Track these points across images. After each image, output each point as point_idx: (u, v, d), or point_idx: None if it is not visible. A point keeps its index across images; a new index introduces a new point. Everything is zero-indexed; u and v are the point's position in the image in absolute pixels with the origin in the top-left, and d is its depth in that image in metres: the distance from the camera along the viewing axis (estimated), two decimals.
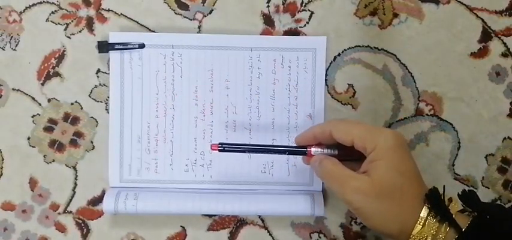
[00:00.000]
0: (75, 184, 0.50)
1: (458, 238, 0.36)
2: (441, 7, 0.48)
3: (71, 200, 0.50)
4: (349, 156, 0.42)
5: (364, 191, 0.38)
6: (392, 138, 0.39)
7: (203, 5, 0.49)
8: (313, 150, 0.43)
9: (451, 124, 0.49)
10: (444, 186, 0.39)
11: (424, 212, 0.37)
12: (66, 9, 0.49)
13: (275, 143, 0.49)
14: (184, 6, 0.49)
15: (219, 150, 0.43)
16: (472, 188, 0.49)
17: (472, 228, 0.37)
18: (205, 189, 0.49)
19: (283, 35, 0.49)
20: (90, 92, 0.49)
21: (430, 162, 0.49)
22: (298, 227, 0.50)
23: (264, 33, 0.49)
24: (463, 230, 0.37)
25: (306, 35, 0.49)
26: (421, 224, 0.37)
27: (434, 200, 0.38)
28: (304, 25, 0.49)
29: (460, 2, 0.48)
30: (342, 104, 0.49)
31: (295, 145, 0.45)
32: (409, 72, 0.49)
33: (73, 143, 0.50)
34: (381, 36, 0.49)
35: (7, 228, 0.50)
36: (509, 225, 0.37)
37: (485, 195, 0.49)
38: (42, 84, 0.49)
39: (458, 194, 0.40)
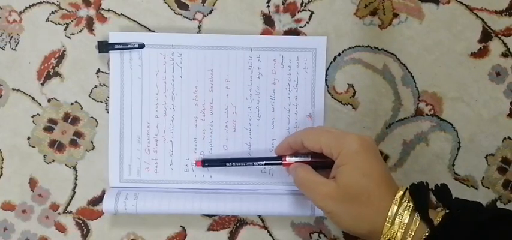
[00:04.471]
0: (75, 184, 0.50)
1: (430, 233, 0.37)
2: (441, 7, 0.48)
3: (71, 200, 0.50)
4: (323, 163, 0.44)
5: (332, 196, 0.40)
6: (356, 142, 0.40)
7: (203, 5, 0.49)
8: (287, 159, 0.46)
9: (451, 124, 0.49)
10: (427, 182, 0.40)
11: (391, 212, 0.38)
12: (66, 9, 0.49)
13: (275, 143, 0.49)
14: (184, 6, 0.49)
15: (203, 166, 0.48)
16: (472, 188, 0.49)
17: (444, 223, 0.38)
18: (205, 189, 0.49)
19: (283, 35, 0.49)
20: (90, 92, 0.49)
21: (430, 162, 0.49)
22: (298, 227, 0.50)
23: (264, 33, 0.49)
24: (435, 225, 0.37)
25: (306, 35, 0.49)
26: (390, 223, 0.38)
27: (417, 193, 0.39)
28: (304, 25, 0.49)
29: (460, 2, 0.48)
30: (342, 104, 0.49)
31: (273, 156, 0.48)
32: (409, 72, 0.49)
33: (73, 143, 0.50)
34: (380, 36, 0.49)
35: (7, 228, 0.51)
36: (479, 218, 0.37)
37: (485, 195, 0.49)
38: (42, 84, 0.49)
39: (431, 189, 0.41)
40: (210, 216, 0.50)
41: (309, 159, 0.45)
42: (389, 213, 0.38)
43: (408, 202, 0.39)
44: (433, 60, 0.49)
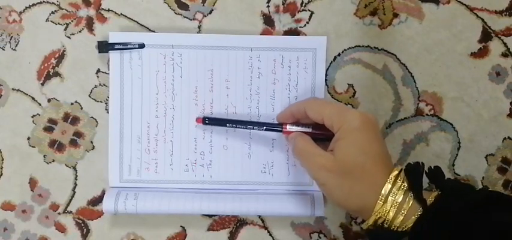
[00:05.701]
0: (75, 184, 0.50)
1: (423, 212, 0.38)
2: (441, 7, 0.48)
3: (71, 200, 0.50)
4: (324, 134, 0.44)
5: (328, 168, 0.40)
6: (358, 119, 0.40)
7: (203, 5, 0.49)
8: (288, 126, 0.46)
9: (451, 124, 0.49)
10: (423, 163, 0.41)
11: (385, 190, 0.39)
12: (66, 9, 0.49)
13: (275, 142, 0.49)
14: (184, 6, 0.49)
15: (203, 123, 0.48)
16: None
17: (436, 204, 0.38)
18: (205, 189, 0.49)
19: (283, 35, 0.49)
20: (90, 92, 0.49)
21: (430, 162, 0.49)
22: (298, 227, 0.50)
23: (264, 33, 0.49)
24: (428, 205, 0.38)
25: (306, 35, 0.49)
26: (382, 200, 0.39)
27: (412, 174, 0.39)
28: (304, 25, 0.49)
29: (460, 2, 0.48)
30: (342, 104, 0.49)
31: (273, 122, 0.48)
32: (409, 72, 0.49)
33: (73, 143, 0.50)
34: (380, 36, 0.49)
35: (7, 228, 0.51)
36: (471, 199, 0.38)
37: None
38: (42, 84, 0.49)
39: (425, 172, 0.41)
40: (210, 216, 0.50)
41: (309, 130, 0.45)
42: (383, 191, 0.39)
43: (402, 182, 0.39)
44: (433, 60, 0.49)
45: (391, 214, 0.38)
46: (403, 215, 0.38)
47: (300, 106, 0.45)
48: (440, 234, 0.37)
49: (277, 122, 0.48)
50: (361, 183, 0.39)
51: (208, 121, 0.48)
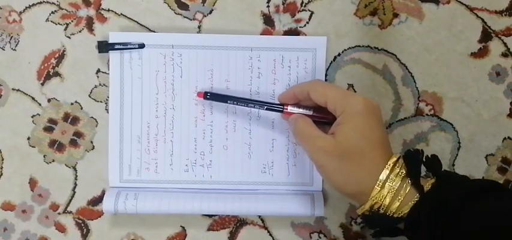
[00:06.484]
0: (75, 184, 0.50)
1: (420, 199, 0.38)
2: (441, 7, 0.48)
3: (70, 200, 0.50)
4: (324, 118, 0.44)
5: (327, 151, 0.40)
6: (361, 104, 0.40)
7: (203, 5, 0.49)
8: (289, 108, 0.46)
9: (451, 124, 0.49)
10: (422, 150, 0.41)
11: (383, 175, 0.39)
12: (66, 9, 0.49)
13: (275, 142, 0.49)
14: (184, 6, 0.49)
15: (205, 98, 0.47)
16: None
17: (433, 190, 0.38)
18: (205, 189, 0.49)
19: (283, 35, 0.49)
20: (90, 92, 0.49)
21: None
22: (298, 227, 0.50)
23: (264, 33, 0.49)
24: (425, 192, 0.38)
25: (306, 35, 0.49)
26: (380, 186, 0.39)
27: (411, 160, 0.40)
28: (304, 25, 0.49)
29: (460, 2, 0.48)
30: None
31: (275, 102, 0.47)
32: (409, 72, 0.49)
33: (73, 143, 0.50)
34: (380, 36, 0.49)
35: (7, 228, 0.51)
36: (467, 187, 0.38)
37: None
38: (42, 84, 0.49)
39: (422, 161, 0.41)
40: (210, 216, 0.50)
41: (310, 112, 0.45)
42: (381, 177, 0.39)
43: (400, 168, 0.39)
44: (433, 60, 0.49)
45: (387, 200, 0.39)
46: (400, 201, 0.38)
47: (303, 87, 0.45)
48: (437, 221, 0.37)
49: (278, 102, 0.47)
50: (359, 168, 0.39)
51: (210, 96, 0.47)
